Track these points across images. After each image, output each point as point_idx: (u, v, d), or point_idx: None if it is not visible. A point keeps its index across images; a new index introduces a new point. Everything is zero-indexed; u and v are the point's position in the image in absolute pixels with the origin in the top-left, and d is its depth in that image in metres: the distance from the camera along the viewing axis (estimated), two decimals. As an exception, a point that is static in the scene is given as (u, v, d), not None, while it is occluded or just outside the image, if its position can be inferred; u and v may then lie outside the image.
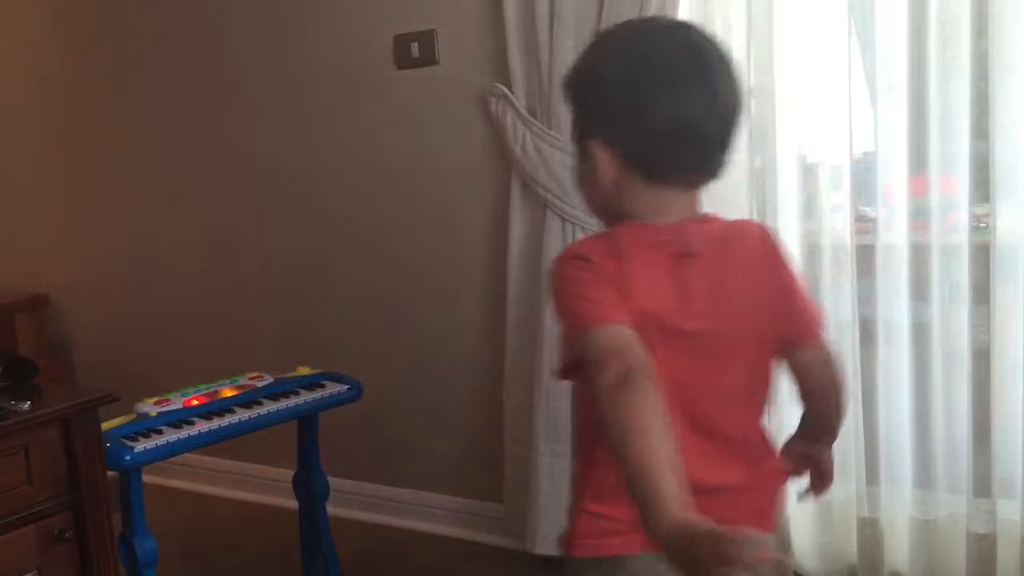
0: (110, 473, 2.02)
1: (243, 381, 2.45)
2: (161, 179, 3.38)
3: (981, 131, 2.16)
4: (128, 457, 2.08)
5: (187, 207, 3.34)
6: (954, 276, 2.23)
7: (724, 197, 2.43)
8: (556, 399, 2.55)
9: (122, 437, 2.12)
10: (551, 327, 2.52)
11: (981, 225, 2.20)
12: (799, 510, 2.46)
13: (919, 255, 2.26)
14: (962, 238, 2.20)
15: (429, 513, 2.98)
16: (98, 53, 3.43)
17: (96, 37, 3.42)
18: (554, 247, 2.50)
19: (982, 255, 2.18)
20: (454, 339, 2.87)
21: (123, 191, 3.49)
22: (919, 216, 2.26)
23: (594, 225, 2.42)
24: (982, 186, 2.18)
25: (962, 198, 2.20)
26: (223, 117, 3.20)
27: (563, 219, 2.49)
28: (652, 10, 2.29)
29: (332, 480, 2.63)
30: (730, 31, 2.38)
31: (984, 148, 2.16)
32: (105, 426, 2.06)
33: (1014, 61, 2.09)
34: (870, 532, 2.39)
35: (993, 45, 2.11)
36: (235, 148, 3.19)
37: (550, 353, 2.53)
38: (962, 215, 2.20)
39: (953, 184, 2.21)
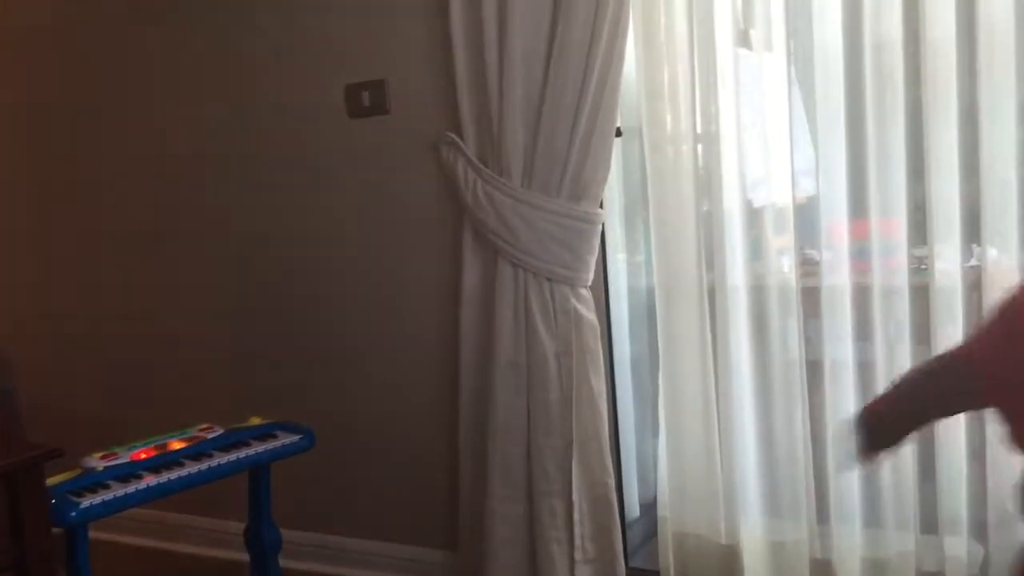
0: (56, 529, 1.98)
1: (193, 433, 2.42)
2: (110, 231, 3.35)
3: (918, 175, 2.22)
4: (74, 513, 2.05)
5: (135, 259, 3.31)
6: (897, 316, 2.28)
7: (672, 241, 2.49)
8: (510, 445, 2.55)
9: (68, 492, 2.09)
10: (504, 371, 2.53)
11: (921, 267, 2.26)
12: (752, 554, 2.48)
13: (862, 296, 2.31)
14: (903, 280, 2.26)
15: (381, 562, 2.95)
16: (47, 104, 3.41)
17: (47, 85, 3.40)
18: (506, 293, 2.51)
19: (922, 296, 2.24)
20: (407, 385, 2.86)
21: (71, 241, 3.45)
22: (861, 258, 2.31)
23: (544, 271, 2.45)
24: (920, 228, 2.24)
25: (901, 240, 2.26)
26: (173, 167, 3.18)
27: (514, 266, 2.50)
28: (599, 57, 2.33)
29: (284, 532, 2.60)
30: (676, 80, 2.43)
31: (921, 191, 2.22)
32: (50, 481, 2.03)
33: (947, 105, 2.16)
34: (823, 574, 2.41)
35: (926, 91, 2.17)
36: (185, 198, 3.18)
37: (503, 398, 2.53)
38: (902, 257, 2.26)
39: (893, 226, 2.27)
